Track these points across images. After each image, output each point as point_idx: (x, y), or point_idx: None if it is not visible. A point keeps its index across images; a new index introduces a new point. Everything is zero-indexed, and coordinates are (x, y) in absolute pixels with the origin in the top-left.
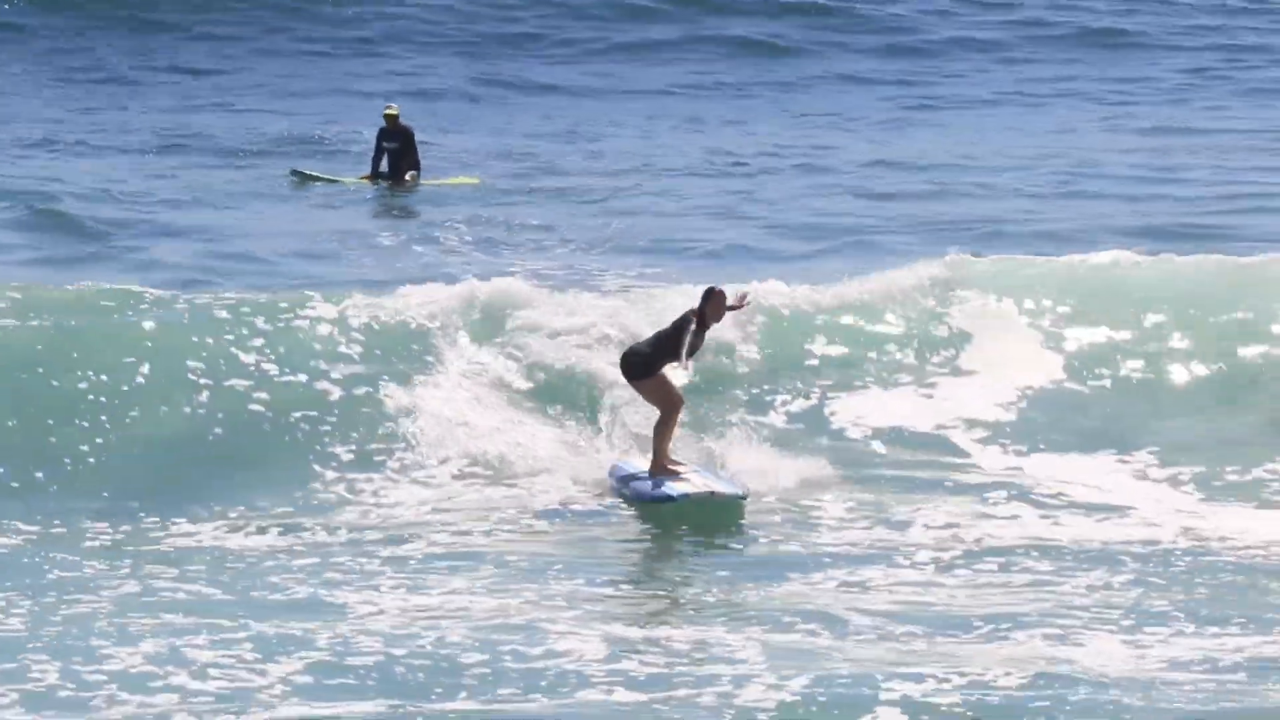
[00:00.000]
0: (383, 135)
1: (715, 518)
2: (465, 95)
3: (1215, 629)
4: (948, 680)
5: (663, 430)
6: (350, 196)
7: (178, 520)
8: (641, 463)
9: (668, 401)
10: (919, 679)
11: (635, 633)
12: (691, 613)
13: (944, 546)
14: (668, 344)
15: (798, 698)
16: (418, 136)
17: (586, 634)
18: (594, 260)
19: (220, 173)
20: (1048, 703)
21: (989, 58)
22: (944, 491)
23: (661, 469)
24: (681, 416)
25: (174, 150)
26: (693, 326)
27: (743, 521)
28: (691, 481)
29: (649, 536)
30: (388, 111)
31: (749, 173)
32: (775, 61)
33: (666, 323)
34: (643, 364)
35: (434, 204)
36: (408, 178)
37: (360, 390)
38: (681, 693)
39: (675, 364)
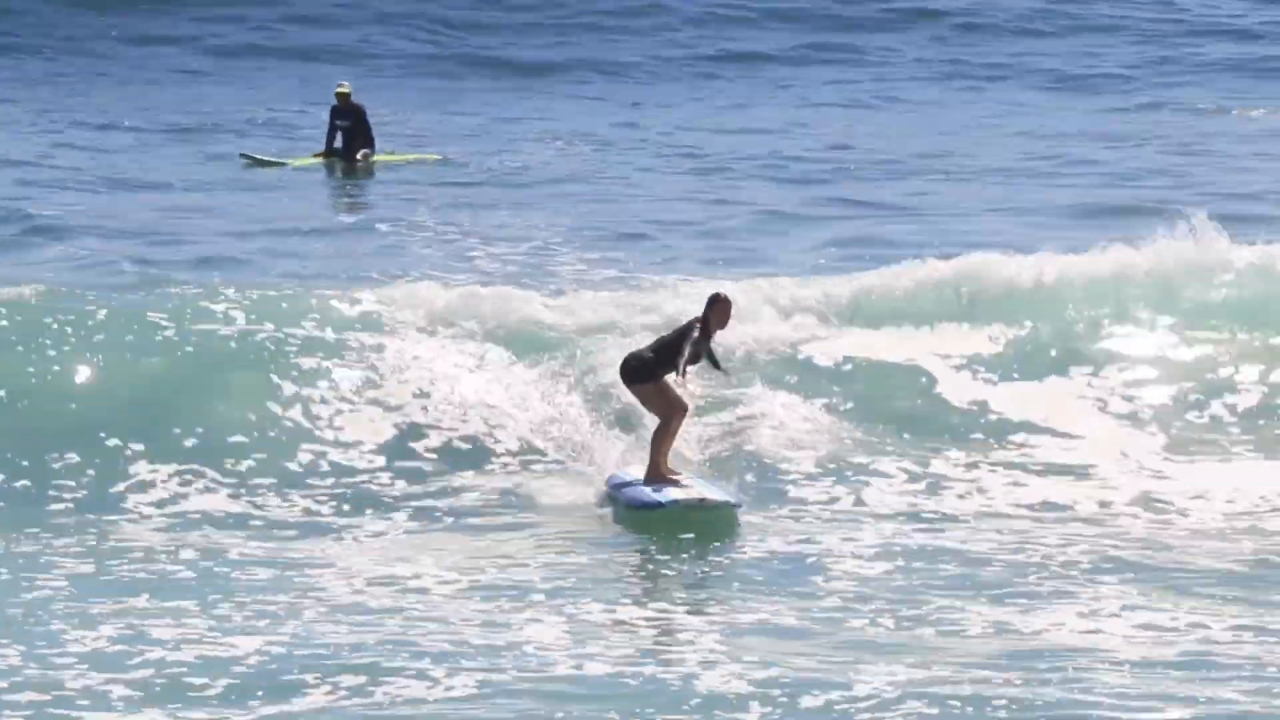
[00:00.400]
0: (335, 114)
1: (707, 524)
2: (425, 71)
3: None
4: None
5: (660, 438)
6: (303, 179)
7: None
8: (640, 472)
9: (667, 409)
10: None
11: (601, 616)
12: (659, 598)
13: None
14: (669, 351)
15: (762, 683)
16: (374, 113)
17: (552, 619)
18: (560, 247)
19: (167, 153)
20: (1020, 685)
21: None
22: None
23: (658, 477)
24: (686, 423)
25: (117, 131)
26: (695, 334)
27: (738, 528)
28: (683, 488)
29: (628, 539)
30: (339, 89)
31: (714, 155)
32: (740, 32)
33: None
34: (643, 369)
35: (392, 184)
36: (359, 156)
37: (330, 382)
38: (649, 669)
39: (675, 375)
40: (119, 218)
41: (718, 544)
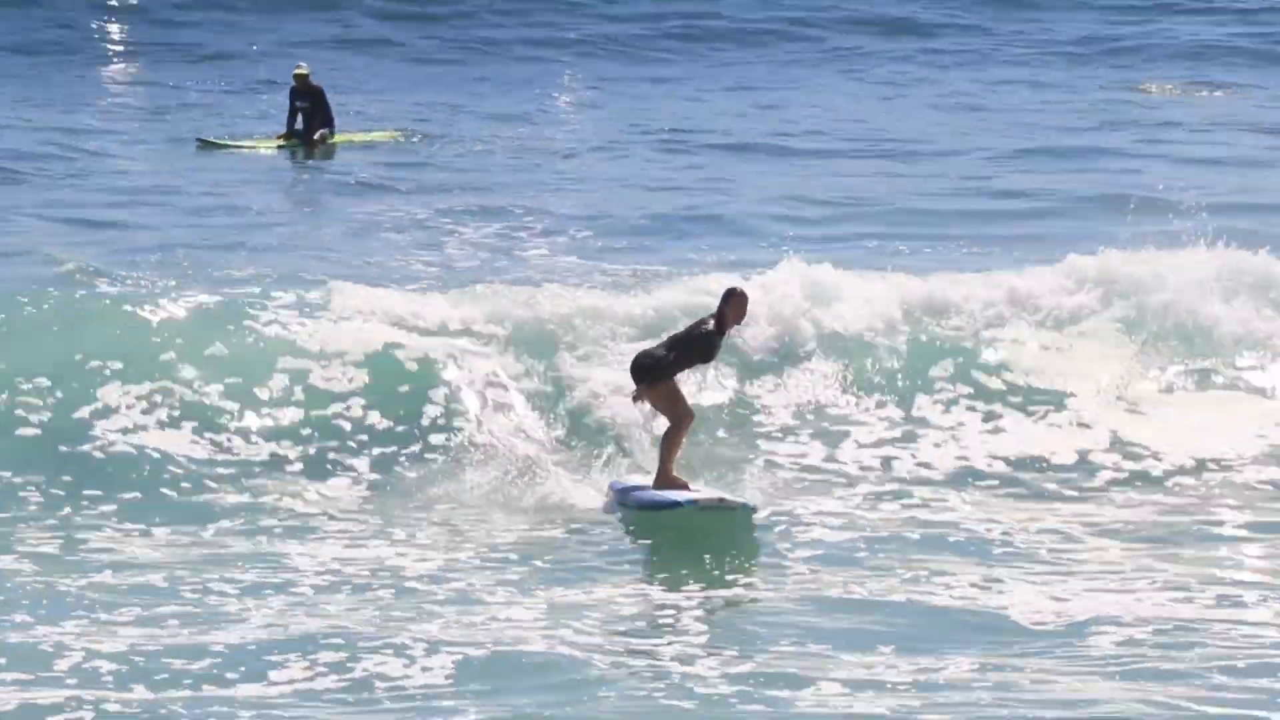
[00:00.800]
0: (294, 95)
1: (721, 524)
2: (389, 52)
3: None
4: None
5: (670, 441)
6: (266, 164)
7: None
8: (637, 478)
9: (676, 411)
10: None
11: (582, 598)
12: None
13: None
14: (682, 349)
15: (738, 671)
16: (335, 93)
17: (528, 601)
18: (527, 236)
19: (122, 137)
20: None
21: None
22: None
23: (668, 482)
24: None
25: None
26: (708, 328)
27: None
28: (699, 490)
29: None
30: (297, 71)
31: (682, 140)
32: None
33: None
34: (655, 368)
35: (353, 165)
36: (317, 136)
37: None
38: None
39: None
40: (74, 206)
41: (699, 525)
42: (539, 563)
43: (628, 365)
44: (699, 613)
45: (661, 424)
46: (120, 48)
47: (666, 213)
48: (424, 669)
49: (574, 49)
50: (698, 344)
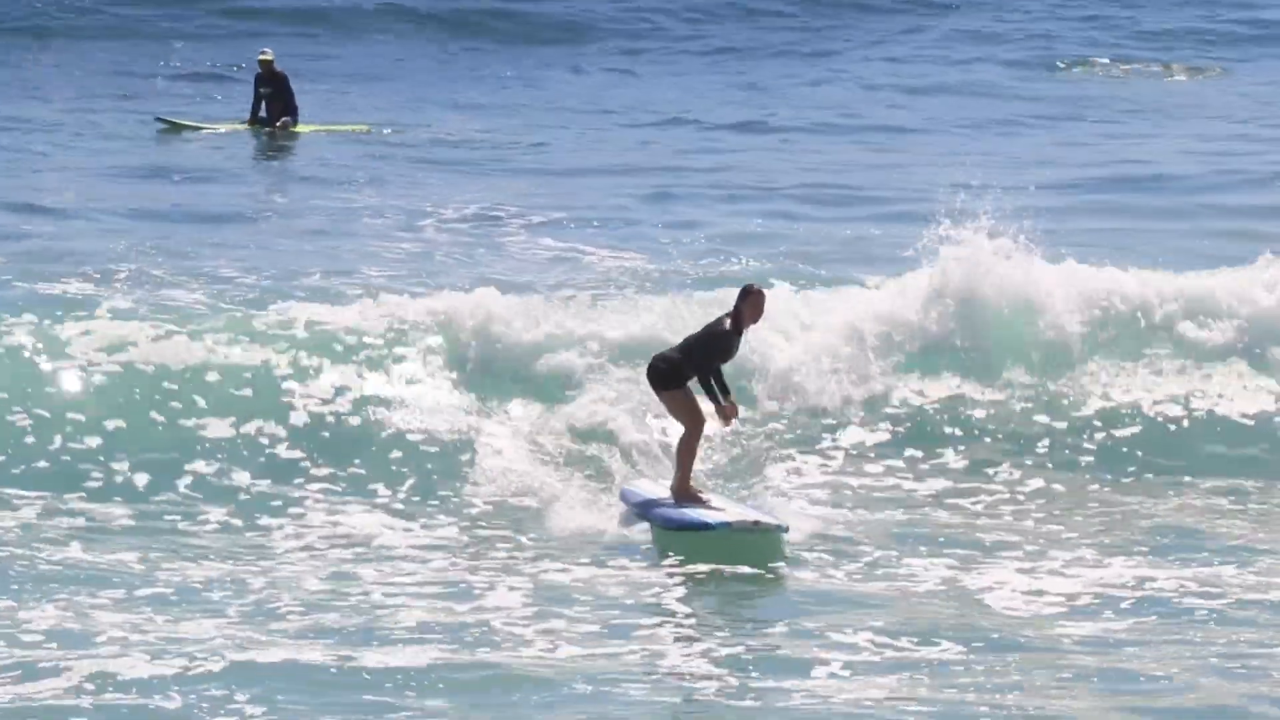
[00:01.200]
0: (259, 81)
1: (754, 551)
2: (364, 41)
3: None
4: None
5: (685, 450)
6: (226, 148)
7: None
8: (648, 486)
9: (692, 420)
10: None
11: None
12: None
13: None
14: (697, 351)
15: (730, 655)
16: (305, 80)
17: (518, 590)
18: (494, 224)
19: (81, 119)
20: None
21: None
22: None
23: (686, 493)
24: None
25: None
26: (725, 328)
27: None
28: (729, 511)
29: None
30: (262, 58)
31: (651, 127)
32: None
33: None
34: (670, 372)
35: (319, 158)
36: (279, 124)
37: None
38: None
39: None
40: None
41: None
42: (524, 553)
43: (645, 369)
44: (681, 593)
45: (675, 429)
46: (76, 25)
47: (646, 196)
48: (410, 656)
49: (548, 37)
50: (716, 345)
